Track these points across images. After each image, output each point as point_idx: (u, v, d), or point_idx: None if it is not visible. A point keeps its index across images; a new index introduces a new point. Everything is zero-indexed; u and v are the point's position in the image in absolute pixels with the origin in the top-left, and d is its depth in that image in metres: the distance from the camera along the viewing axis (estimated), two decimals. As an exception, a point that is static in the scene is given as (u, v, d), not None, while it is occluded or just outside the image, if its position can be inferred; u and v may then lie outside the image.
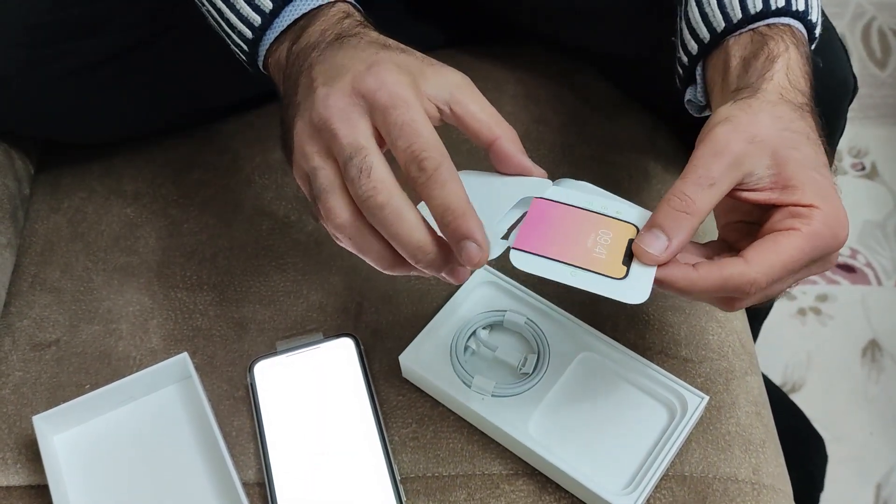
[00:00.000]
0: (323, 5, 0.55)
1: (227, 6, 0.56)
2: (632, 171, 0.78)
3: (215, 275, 0.73)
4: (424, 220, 0.48)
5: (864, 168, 1.45)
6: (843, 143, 1.42)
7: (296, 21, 0.55)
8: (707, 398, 0.62)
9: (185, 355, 0.64)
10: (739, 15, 0.57)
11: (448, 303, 0.67)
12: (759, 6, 0.56)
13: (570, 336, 0.65)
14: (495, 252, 0.50)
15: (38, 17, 0.72)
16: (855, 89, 0.75)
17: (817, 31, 0.58)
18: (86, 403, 0.63)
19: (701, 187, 0.49)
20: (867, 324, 1.28)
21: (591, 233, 0.51)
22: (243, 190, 0.78)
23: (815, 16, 0.58)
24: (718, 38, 0.58)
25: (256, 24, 0.56)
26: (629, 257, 0.50)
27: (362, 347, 0.66)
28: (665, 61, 0.66)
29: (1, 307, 0.71)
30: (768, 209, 0.51)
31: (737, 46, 0.57)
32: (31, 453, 0.63)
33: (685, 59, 0.61)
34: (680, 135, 0.82)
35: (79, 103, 0.75)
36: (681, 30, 0.62)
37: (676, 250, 0.49)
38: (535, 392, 0.62)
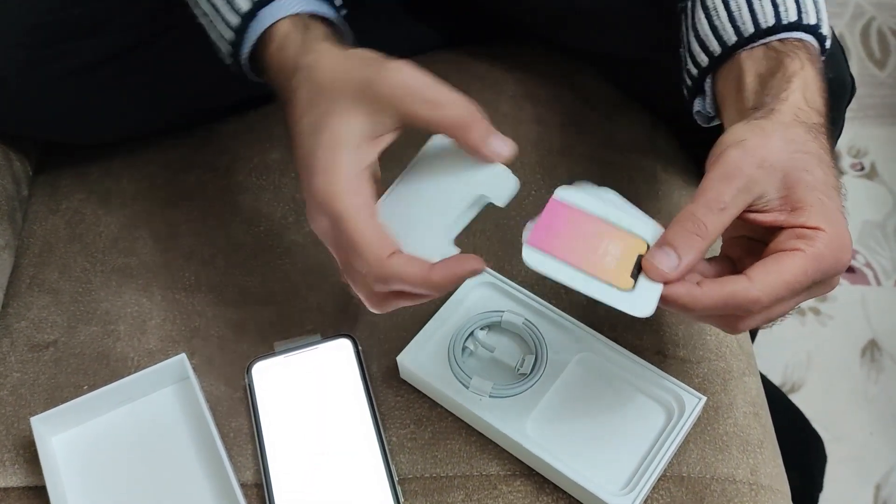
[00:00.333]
0: (266, 31, 0.56)
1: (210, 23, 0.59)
2: (631, 171, 0.78)
3: (213, 276, 0.73)
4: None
5: (863, 168, 1.45)
6: (843, 144, 1.42)
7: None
8: (705, 399, 0.62)
9: (183, 356, 0.64)
10: (751, 29, 0.56)
11: (446, 304, 0.67)
12: (772, 21, 0.56)
13: (568, 337, 0.65)
14: (444, 254, 0.51)
15: (37, 18, 0.72)
16: (853, 90, 0.75)
17: (828, 44, 0.58)
18: (84, 404, 0.63)
19: (712, 211, 0.50)
20: (867, 324, 1.28)
21: (603, 242, 0.51)
22: (241, 191, 0.78)
23: (826, 28, 0.58)
24: (729, 52, 0.57)
25: (231, 41, 0.58)
26: (637, 271, 0.50)
27: (360, 348, 0.66)
28: (664, 62, 0.66)
29: (-1, 308, 0.72)
30: (774, 229, 0.51)
31: (750, 61, 0.56)
32: (28, 454, 0.64)
33: (694, 70, 0.60)
34: (679, 135, 0.82)
35: (78, 104, 0.75)
36: (688, 41, 0.61)
37: (685, 270, 0.50)
38: (532, 393, 0.62)
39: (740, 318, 0.52)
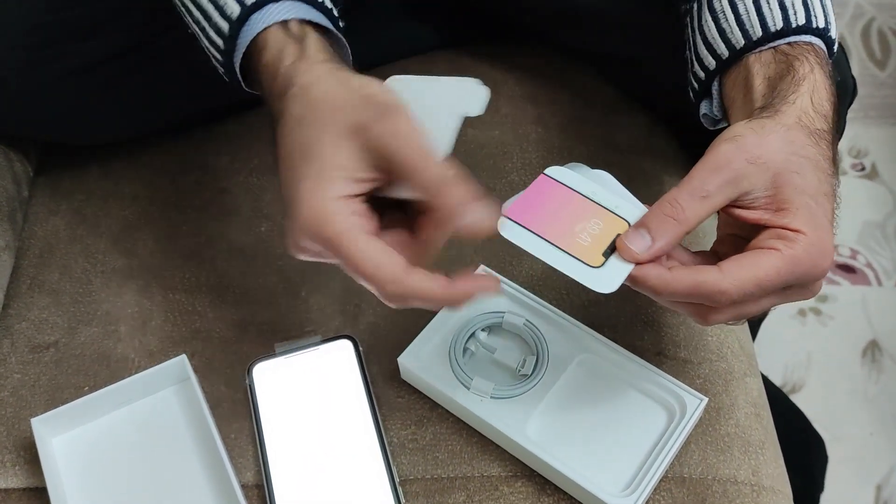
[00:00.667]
0: (258, 35, 0.54)
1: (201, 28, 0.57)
2: (630, 171, 0.78)
3: (214, 277, 0.73)
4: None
5: (863, 168, 1.45)
6: (843, 144, 1.42)
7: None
8: (706, 400, 0.62)
9: (183, 357, 0.64)
10: (759, 32, 0.56)
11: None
12: (780, 24, 0.56)
13: (569, 338, 0.65)
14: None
15: (37, 18, 0.72)
16: (854, 91, 0.75)
17: (835, 47, 0.58)
18: (84, 405, 0.63)
19: (693, 198, 0.50)
20: (867, 324, 1.28)
21: (583, 219, 0.52)
22: (242, 192, 0.78)
23: (833, 32, 0.57)
24: (737, 55, 0.57)
25: (222, 48, 0.56)
26: (612, 250, 0.51)
27: (361, 349, 0.66)
28: (663, 62, 0.66)
29: (0, 309, 0.71)
30: (759, 227, 0.51)
31: (759, 64, 0.56)
32: (29, 456, 0.63)
33: (701, 73, 0.60)
34: (678, 135, 0.82)
35: (78, 104, 0.75)
36: (694, 44, 0.61)
37: (657, 253, 0.50)
38: (534, 394, 0.62)
39: (710, 310, 0.52)
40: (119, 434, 0.64)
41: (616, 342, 0.64)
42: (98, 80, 0.74)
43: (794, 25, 0.56)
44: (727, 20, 0.58)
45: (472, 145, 0.80)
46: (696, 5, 0.62)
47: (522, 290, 0.67)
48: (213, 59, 0.58)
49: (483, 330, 0.66)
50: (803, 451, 1.11)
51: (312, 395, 0.64)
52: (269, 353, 0.66)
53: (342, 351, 0.66)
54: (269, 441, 0.62)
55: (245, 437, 0.64)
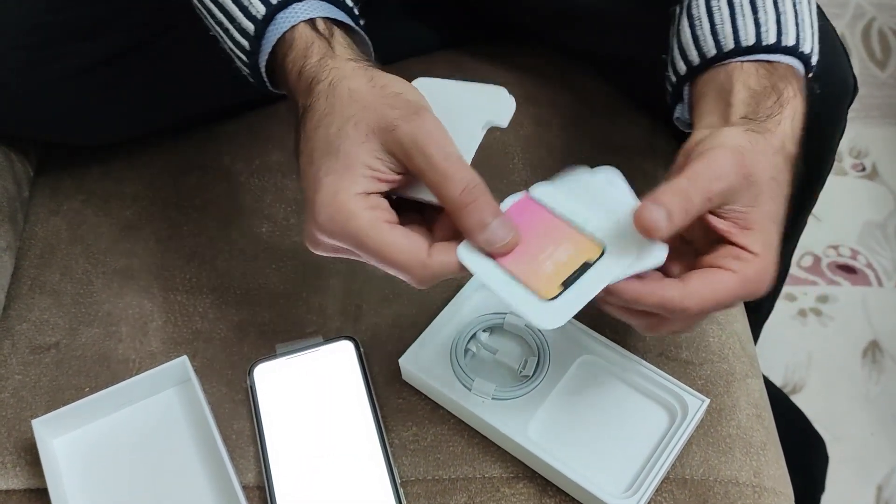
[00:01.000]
0: (285, 34, 0.54)
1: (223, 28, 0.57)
2: (631, 172, 0.78)
3: (215, 277, 0.73)
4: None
5: (864, 169, 1.45)
6: (844, 144, 1.42)
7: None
8: (707, 401, 0.62)
9: (184, 358, 0.64)
10: (731, 45, 0.57)
11: (448, 305, 0.67)
12: (752, 40, 0.57)
13: (571, 339, 0.65)
14: None
15: (37, 19, 0.72)
16: (855, 90, 0.75)
17: (814, 60, 0.59)
18: (85, 407, 0.63)
19: (702, 198, 0.50)
20: (868, 324, 1.28)
21: (552, 245, 0.50)
22: (242, 192, 0.78)
23: (808, 47, 0.58)
24: (708, 63, 0.58)
25: (247, 49, 0.56)
26: (572, 281, 0.49)
27: (362, 350, 0.66)
28: (663, 63, 0.66)
29: (0, 310, 0.71)
30: (714, 236, 0.53)
31: (741, 73, 0.57)
32: (30, 457, 0.63)
33: (673, 77, 0.61)
34: (678, 136, 0.82)
35: (78, 105, 0.75)
36: (672, 47, 0.62)
37: (669, 234, 0.49)
38: (535, 395, 0.62)
39: (663, 322, 0.53)
40: (120, 435, 0.64)
41: (617, 343, 0.64)
42: (98, 80, 0.74)
43: (764, 43, 0.57)
44: (702, 28, 0.59)
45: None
46: (678, 8, 0.62)
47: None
48: (238, 60, 0.58)
49: (484, 331, 0.66)
50: (804, 452, 1.10)
51: (313, 397, 0.64)
52: (270, 354, 0.66)
53: (343, 352, 0.66)
54: (271, 442, 0.62)
55: (246, 438, 0.64)
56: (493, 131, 0.80)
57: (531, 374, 0.63)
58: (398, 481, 0.60)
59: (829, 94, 0.72)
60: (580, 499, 0.60)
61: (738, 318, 0.71)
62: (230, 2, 0.55)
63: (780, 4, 0.58)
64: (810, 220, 0.90)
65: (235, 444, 0.63)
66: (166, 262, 0.74)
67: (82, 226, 0.77)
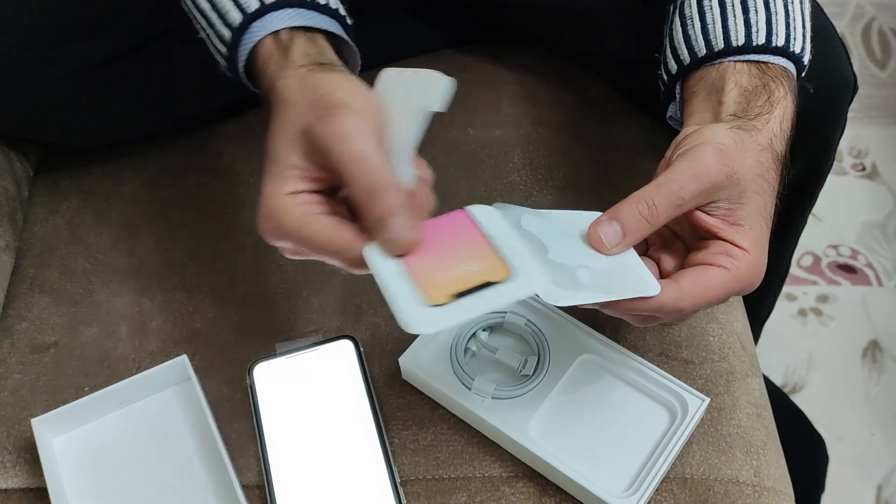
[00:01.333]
0: (257, 45, 0.56)
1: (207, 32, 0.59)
2: (630, 172, 0.78)
3: (214, 277, 0.73)
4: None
5: (864, 168, 1.45)
6: (844, 144, 1.42)
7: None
8: (708, 400, 0.62)
9: (184, 357, 0.64)
10: (721, 45, 0.58)
11: (448, 304, 0.66)
12: (742, 41, 0.58)
13: (571, 338, 0.65)
14: (405, 176, 0.49)
15: (36, 20, 0.72)
16: (855, 89, 0.75)
17: (805, 60, 0.60)
18: (85, 406, 0.63)
19: (670, 204, 0.51)
20: (868, 324, 1.28)
21: (463, 259, 0.49)
22: (242, 191, 0.78)
23: (798, 47, 0.59)
24: (699, 63, 0.59)
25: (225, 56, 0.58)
26: (466, 295, 0.47)
27: (362, 349, 0.66)
28: (658, 62, 0.66)
29: (0, 309, 0.71)
30: (704, 233, 0.54)
31: (733, 72, 0.57)
32: (29, 456, 0.63)
33: (665, 77, 0.62)
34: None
35: (78, 105, 0.75)
36: (664, 47, 0.62)
37: (624, 249, 0.52)
38: (535, 394, 0.62)
39: (654, 318, 0.54)
40: (120, 434, 0.64)
41: (618, 342, 0.64)
42: (98, 81, 0.74)
43: (754, 44, 0.57)
44: (693, 27, 0.60)
45: (473, 145, 0.80)
46: (672, 7, 0.63)
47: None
48: (222, 66, 0.59)
49: (484, 330, 0.66)
50: (804, 452, 1.11)
51: (313, 396, 0.64)
52: (270, 354, 0.66)
53: (343, 351, 0.66)
54: (270, 441, 0.62)
55: (246, 437, 0.64)
56: (493, 131, 0.81)
57: (531, 374, 0.63)
58: (398, 480, 0.60)
59: (829, 92, 0.72)
60: (580, 498, 0.60)
61: (739, 318, 0.71)
62: (210, 10, 0.57)
63: (771, 5, 0.59)
64: (810, 219, 0.90)
65: (235, 443, 0.63)
66: (166, 262, 0.74)
67: (82, 225, 0.77)
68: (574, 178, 0.78)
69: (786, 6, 0.59)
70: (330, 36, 0.57)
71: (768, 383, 0.90)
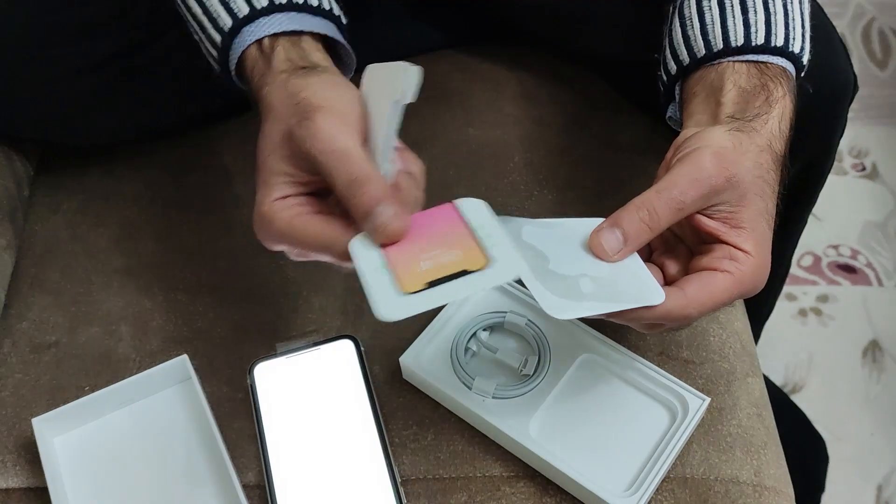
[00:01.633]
0: (244, 52, 0.57)
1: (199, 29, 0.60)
2: (631, 171, 0.78)
3: (215, 276, 0.73)
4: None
5: (864, 168, 1.45)
6: (844, 144, 1.42)
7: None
8: (708, 400, 0.62)
9: (184, 357, 0.64)
10: (720, 45, 0.58)
11: (449, 304, 0.66)
12: (741, 41, 0.58)
13: (571, 338, 0.65)
14: (385, 172, 0.50)
15: (37, 20, 0.72)
16: (855, 88, 0.75)
17: (804, 60, 0.60)
18: (85, 405, 0.63)
19: (671, 209, 0.51)
20: (868, 324, 1.28)
21: (443, 248, 0.49)
22: (243, 191, 0.78)
23: (797, 47, 0.59)
24: (698, 63, 0.59)
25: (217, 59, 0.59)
26: (440, 283, 0.47)
27: (362, 349, 0.66)
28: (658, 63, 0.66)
29: (0, 309, 0.71)
30: (707, 235, 0.54)
31: (732, 72, 0.57)
32: (30, 455, 0.63)
33: (665, 77, 0.62)
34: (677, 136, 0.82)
35: (78, 106, 0.75)
36: (663, 48, 0.62)
37: (626, 255, 0.52)
38: (536, 394, 0.62)
39: (660, 325, 0.54)
40: (120, 434, 0.64)
41: (618, 342, 0.64)
42: (98, 81, 0.74)
43: (753, 44, 0.57)
44: (693, 28, 0.60)
45: (473, 145, 0.80)
46: (671, 8, 0.63)
47: (524, 289, 0.67)
48: (215, 70, 0.60)
49: (485, 330, 0.66)
50: (804, 452, 1.11)
51: (314, 395, 0.64)
52: (271, 353, 0.66)
53: (343, 351, 0.66)
54: (271, 441, 0.62)
55: (246, 437, 0.64)
56: (493, 131, 0.81)
57: (532, 373, 0.63)
58: (398, 480, 0.60)
59: (830, 93, 0.72)
60: (581, 497, 0.60)
61: (739, 318, 0.71)
62: (201, 14, 0.58)
63: (770, 5, 0.59)
64: (810, 219, 0.90)
65: (236, 442, 0.63)
66: (166, 261, 0.74)
67: (82, 225, 0.77)
68: (574, 178, 0.78)
69: (785, 6, 0.59)
70: (322, 37, 0.57)
71: (768, 383, 0.90)
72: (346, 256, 0.49)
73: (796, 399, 1.19)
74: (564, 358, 0.64)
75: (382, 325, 0.68)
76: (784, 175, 0.56)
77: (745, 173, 0.53)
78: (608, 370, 0.64)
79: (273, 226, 0.51)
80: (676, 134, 0.81)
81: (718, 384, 0.65)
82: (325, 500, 0.60)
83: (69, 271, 0.74)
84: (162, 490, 0.61)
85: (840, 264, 1.34)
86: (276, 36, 0.56)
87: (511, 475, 0.61)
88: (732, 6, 0.59)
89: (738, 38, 0.58)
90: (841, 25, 1.62)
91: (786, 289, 1.26)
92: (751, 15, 0.58)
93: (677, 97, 0.62)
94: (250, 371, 0.65)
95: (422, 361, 0.64)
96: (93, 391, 0.64)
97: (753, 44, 0.57)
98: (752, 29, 0.58)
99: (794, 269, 1.32)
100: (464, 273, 0.47)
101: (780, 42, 0.58)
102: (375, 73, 0.53)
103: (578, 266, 0.52)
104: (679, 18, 0.61)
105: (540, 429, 0.61)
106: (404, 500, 0.60)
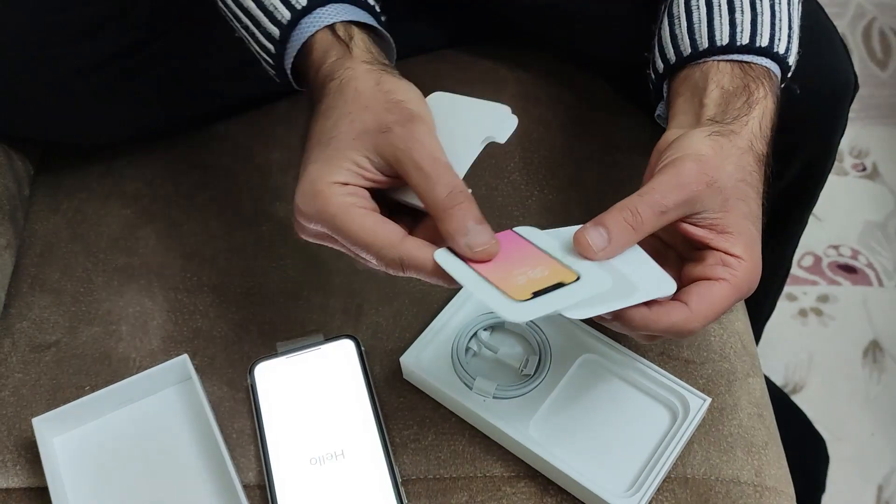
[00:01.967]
0: (308, 39, 0.56)
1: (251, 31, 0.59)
2: (631, 171, 0.78)
3: (215, 276, 0.73)
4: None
5: (864, 168, 1.45)
6: (844, 144, 1.42)
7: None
8: (709, 400, 0.62)
9: (185, 357, 0.64)
10: (706, 45, 0.58)
11: (449, 304, 0.66)
12: (726, 40, 0.58)
13: (572, 338, 0.65)
14: None
15: (37, 19, 0.72)
16: (856, 88, 0.75)
17: (790, 61, 0.60)
18: (86, 405, 0.63)
19: (653, 212, 0.52)
20: (868, 324, 1.28)
21: (527, 266, 0.50)
22: (243, 191, 0.78)
23: (782, 48, 0.59)
24: (684, 62, 0.59)
25: (273, 52, 0.58)
26: (543, 293, 0.49)
27: (363, 349, 0.66)
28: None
29: (0, 308, 0.71)
30: (697, 243, 0.54)
31: (716, 72, 0.58)
32: (30, 455, 0.63)
33: (653, 76, 0.62)
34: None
35: (79, 105, 0.75)
36: (652, 46, 0.63)
37: (609, 255, 0.52)
38: (536, 394, 0.62)
39: (660, 336, 0.54)
40: (120, 434, 0.64)
41: (619, 342, 0.64)
42: (99, 80, 0.74)
43: (738, 44, 0.58)
44: (680, 27, 0.60)
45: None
46: (663, 7, 0.64)
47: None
48: (264, 62, 0.60)
49: (485, 329, 0.66)
50: (804, 452, 1.11)
51: (314, 395, 0.64)
52: (271, 353, 0.66)
53: (344, 351, 0.66)
54: (271, 441, 0.62)
55: (247, 436, 0.64)
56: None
57: (532, 373, 0.63)
58: (399, 480, 0.60)
59: (830, 93, 0.72)
60: (581, 498, 0.60)
61: (740, 318, 0.71)
62: (256, 8, 0.57)
63: (757, 5, 0.59)
64: (811, 219, 0.90)
65: (236, 442, 0.63)
66: (167, 261, 0.74)
67: (82, 224, 0.77)
68: (575, 178, 0.78)
69: (772, 7, 0.59)
70: (370, 30, 0.58)
71: (769, 383, 0.90)
72: (395, 264, 0.49)
73: (797, 399, 1.19)
74: (565, 358, 0.64)
75: (383, 325, 0.69)
76: (768, 174, 0.56)
77: (727, 178, 0.53)
78: (609, 370, 0.64)
79: (327, 207, 0.50)
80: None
81: (719, 384, 0.65)
82: (326, 500, 0.60)
83: (69, 271, 0.74)
84: (162, 490, 0.61)
85: (840, 264, 1.34)
86: (348, 23, 0.56)
87: (512, 475, 0.61)
88: (720, 6, 0.59)
89: (723, 38, 0.58)
90: (841, 25, 1.62)
91: (786, 289, 1.26)
92: (737, 15, 0.58)
93: (665, 96, 0.62)
94: (251, 371, 0.65)
95: (422, 361, 0.64)
96: (93, 391, 0.64)
97: (738, 43, 0.58)
98: (738, 28, 0.58)
99: (794, 270, 1.32)
100: (561, 285, 0.49)
101: (764, 42, 0.58)
102: (450, 103, 0.53)
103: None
104: (668, 17, 0.62)
105: (541, 429, 0.61)
106: (405, 501, 0.60)
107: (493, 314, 0.66)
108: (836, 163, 0.83)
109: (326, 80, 0.54)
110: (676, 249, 0.57)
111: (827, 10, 0.73)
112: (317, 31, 0.55)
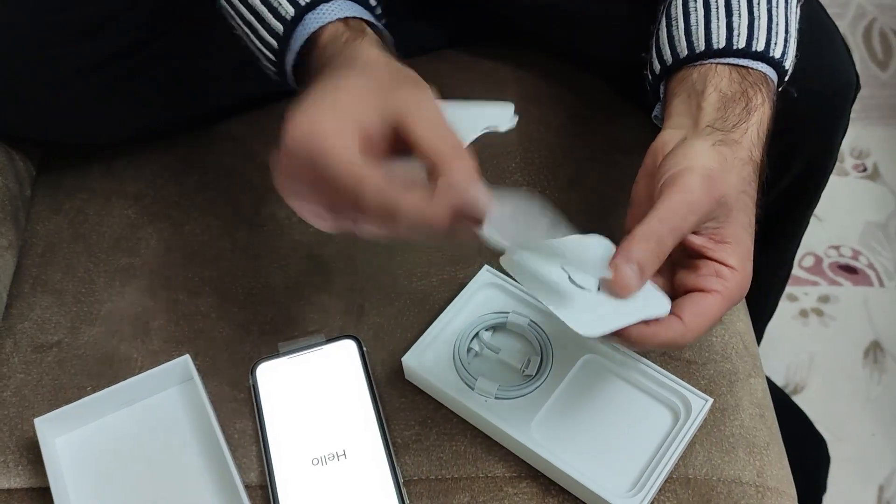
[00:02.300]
0: (313, 33, 0.57)
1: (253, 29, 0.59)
2: (631, 171, 0.78)
3: (217, 276, 0.73)
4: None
5: (865, 169, 1.45)
6: (845, 144, 1.41)
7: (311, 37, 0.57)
8: (711, 400, 0.62)
9: (186, 357, 0.64)
10: (703, 47, 0.58)
11: (451, 304, 0.66)
12: (723, 43, 0.58)
13: (574, 338, 0.65)
14: None
15: (38, 19, 0.72)
16: (857, 88, 0.75)
17: (787, 66, 0.60)
18: (87, 406, 0.63)
19: (675, 238, 0.52)
20: (869, 325, 1.28)
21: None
22: (245, 191, 0.78)
23: (778, 52, 0.59)
24: (680, 63, 0.59)
25: (275, 47, 0.58)
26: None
27: (365, 349, 0.66)
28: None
29: (2, 309, 0.71)
30: (692, 251, 0.54)
31: (714, 75, 0.58)
32: (32, 456, 0.63)
33: (650, 76, 0.63)
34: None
35: (80, 105, 0.75)
36: (650, 47, 0.63)
37: (644, 282, 0.52)
38: (538, 394, 0.62)
39: (654, 350, 0.56)
40: (122, 434, 0.64)
41: (620, 342, 0.64)
42: (100, 80, 0.74)
43: (735, 47, 0.58)
44: (677, 28, 0.60)
45: (474, 145, 0.80)
46: (661, 8, 0.64)
47: (525, 289, 0.67)
48: (263, 58, 0.60)
49: (487, 330, 0.66)
50: (805, 452, 1.11)
51: (316, 395, 0.64)
52: (273, 353, 0.66)
53: (346, 351, 0.66)
54: (273, 441, 0.62)
55: (248, 437, 0.64)
56: (494, 133, 0.81)
57: (534, 374, 0.63)
58: (401, 481, 0.60)
59: (832, 93, 0.72)
60: (583, 498, 0.60)
61: (741, 318, 0.71)
62: (259, 2, 0.57)
63: (755, 9, 0.59)
64: (812, 220, 0.90)
65: (238, 443, 0.63)
66: (168, 261, 0.74)
67: (84, 224, 0.77)
68: (575, 179, 0.78)
69: (769, 12, 0.60)
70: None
71: (769, 384, 0.90)
72: (380, 210, 0.46)
73: (797, 400, 1.19)
74: (567, 358, 0.64)
75: (385, 326, 0.69)
76: (762, 181, 0.57)
77: (731, 190, 0.54)
78: (611, 371, 0.64)
79: (323, 140, 0.47)
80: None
81: (721, 385, 0.65)
82: (328, 501, 0.60)
83: (71, 271, 0.74)
84: (164, 490, 0.61)
85: (841, 265, 1.34)
86: (360, 19, 0.57)
87: (513, 476, 0.61)
88: (717, 9, 0.59)
89: (720, 41, 0.58)
90: (842, 26, 1.62)
91: (787, 289, 1.26)
92: (734, 18, 0.59)
93: (661, 96, 0.62)
94: (252, 371, 0.65)
95: (424, 362, 0.64)
96: (95, 391, 0.63)
97: (735, 47, 0.58)
98: (735, 32, 0.58)
99: (795, 270, 1.32)
100: None
101: (760, 47, 0.58)
102: (457, 108, 0.53)
103: (592, 284, 0.52)
104: (666, 19, 0.62)
105: (542, 429, 0.61)
106: (407, 501, 0.60)
107: (495, 314, 0.66)
108: (836, 163, 0.83)
109: (332, 57, 0.54)
110: (670, 255, 0.57)
111: (828, 10, 0.74)
112: (329, 23, 0.56)
